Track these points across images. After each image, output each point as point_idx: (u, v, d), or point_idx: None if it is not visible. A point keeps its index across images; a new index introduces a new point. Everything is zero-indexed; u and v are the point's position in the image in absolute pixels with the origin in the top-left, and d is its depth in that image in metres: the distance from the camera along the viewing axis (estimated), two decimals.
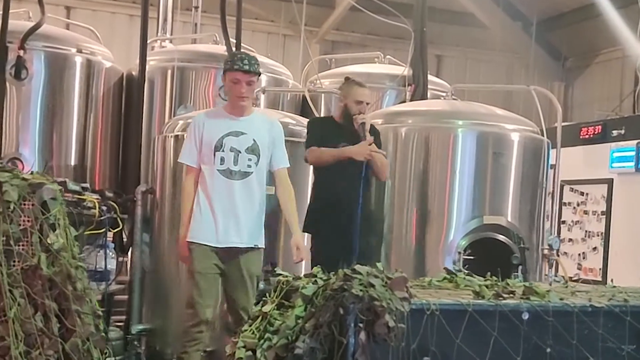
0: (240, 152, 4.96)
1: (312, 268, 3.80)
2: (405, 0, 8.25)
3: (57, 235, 3.74)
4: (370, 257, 5.42)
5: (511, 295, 3.08)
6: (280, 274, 3.00)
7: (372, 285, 2.59)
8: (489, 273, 3.56)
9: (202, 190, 5.00)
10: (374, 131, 5.84)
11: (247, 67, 4.98)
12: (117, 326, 6.62)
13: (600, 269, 9.72)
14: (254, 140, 5.02)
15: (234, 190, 4.95)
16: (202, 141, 4.99)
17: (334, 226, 5.56)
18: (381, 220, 6.29)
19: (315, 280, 2.79)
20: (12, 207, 3.69)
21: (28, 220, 3.80)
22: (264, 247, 5.12)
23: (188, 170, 5.12)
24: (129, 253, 6.47)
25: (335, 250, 5.38)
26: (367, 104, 5.94)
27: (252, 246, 5.02)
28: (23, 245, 3.72)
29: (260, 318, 2.84)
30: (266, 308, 2.85)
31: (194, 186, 5.04)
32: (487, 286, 3.16)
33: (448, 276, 3.47)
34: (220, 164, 4.95)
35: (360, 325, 2.58)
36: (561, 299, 3.11)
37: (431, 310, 2.74)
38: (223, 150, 4.95)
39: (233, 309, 5.02)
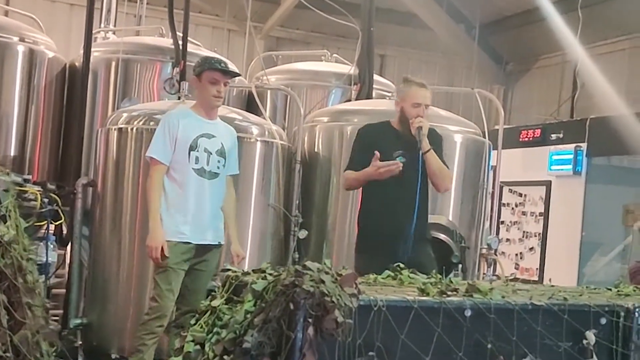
0: (211, 154, 5.14)
1: None
2: None
3: (7, 226, 3.68)
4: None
5: (455, 292, 3.15)
6: (229, 269, 3.00)
7: (323, 282, 2.62)
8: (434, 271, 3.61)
9: (173, 188, 5.08)
10: (434, 137, 5.38)
11: (226, 68, 5.20)
12: (55, 320, 6.55)
13: (537, 268, 9.92)
14: (221, 143, 5.21)
15: (205, 189, 5.11)
16: (176, 140, 5.08)
17: (386, 246, 5.12)
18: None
19: (265, 276, 2.81)
20: None
21: None
22: (224, 243, 5.27)
23: (158, 167, 5.11)
24: (69, 246, 6.39)
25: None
26: (427, 106, 5.35)
27: (217, 243, 5.21)
28: None
29: (209, 312, 2.85)
30: (215, 302, 2.85)
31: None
32: (430, 284, 3.21)
33: (392, 274, 3.52)
34: (195, 163, 5.09)
35: (309, 320, 2.60)
36: (503, 297, 3.18)
37: (378, 307, 2.78)
38: (197, 150, 5.10)
39: (185, 302, 5.08)
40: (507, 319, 3.13)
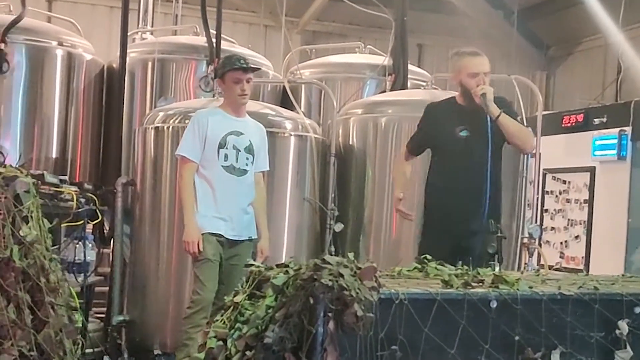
0: (240, 151, 5.26)
1: None
2: None
3: (30, 227, 3.76)
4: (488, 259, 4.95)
5: (480, 284, 3.12)
6: (252, 264, 3.02)
7: (342, 275, 2.62)
8: (460, 262, 3.59)
9: (205, 185, 5.22)
10: (502, 101, 5.10)
11: (245, 65, 5.28)
12: (98, 318, 6.66)
13: (582, 257, 9.76)
14: (250, 141, 5.33)
15: (235, 185, 5.24)
16: (206, 138, 5.22)
17: (452, 225, 5.00)
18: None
19: (287, 271, 2.82)
20: None
21: (0, 213, 3.82)
22: (256, 237, 5.38)
23: (188, 165, 5.26)
24: (110, 245, 6.49)
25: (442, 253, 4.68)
26: (486, 73, 5.07)
27: (248, 238, 5.32)
28: None
29: (231, 308, 2.87)
30: (237, 298, 2.88)
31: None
32: (456, 275, 3.19)
33: (418, 265, 3.51)
34: (225, 161, 5.22)
35: (329, 314, 2.61)
36: (530, 287, 3.14)
37: (399, 300, 2.77)
38: (227, 148, 5.24)
39: (220, 297, 5.07)
40: (535, 310, 3.08)
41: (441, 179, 5.16)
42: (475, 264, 3.55)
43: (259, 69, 5.42)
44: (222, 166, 5.23)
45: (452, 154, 5.09)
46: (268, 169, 5.58)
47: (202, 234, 5.16)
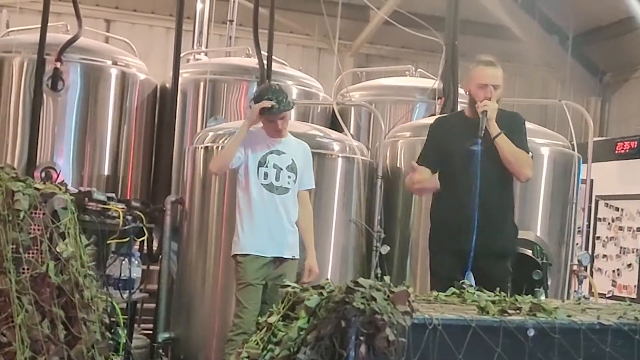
0: (281, 169, 5.31)
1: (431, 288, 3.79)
2: (438, 13, 8.25)
3: (66, 244, 3.84)
4: (498, 280, 4.61)
5: (517, 311, 3.09)
6: (289, 285, 3.04)
7: (374, 299, 2.62)
8: (497, 289, 3.55)
9: (246, 204, 5.28)
10: (510, 119, 4.88)
11: (276, 110, 5.23)
12: (146, 334, 6.74)
13: (635, 285, 9.60)
14: (292, 159, 5.37)
15: (276, 204, 5.28)
16: (247, 156, 5.29)
17: (456, 241, 4.81)
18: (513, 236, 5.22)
19: (321, 292, 2.83)
20: (22, 216, 3.81)
21: (38, 229, 3.91)
22: (298, 257, 5.40)
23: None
24: (159, 262, 6.57)
25: (452, 269, 4.72)
26: (495, 87, 4.79)
27: (291, 257, 5.34)
28: (32, 253, 3.82)
29: (265, 329, 2.89)
30: (272, 319, 2.89)
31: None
32: (494, 302, 3.16)
33: (457, 291, 3.49)
34: (264, 179, 5.27)
35: (361, 338, 2.61)
36: (569, 316, 3.10)
37: (433, 325, 2.76)
38: (267, 166, 5.28)
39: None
40: (573, 340, 3.04)
41: (451, 194, 4.93)
42: (494, 285, 3.49)
43: (290, 108, 5.37)
44: (262, 184, 5.27)
45: (464, 168, 4.81)
46: (314, 187, 5.59)
47: (245, 256, 5.20)
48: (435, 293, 3.39)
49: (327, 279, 3.05)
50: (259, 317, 4.99)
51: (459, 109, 7.31)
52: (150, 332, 6.59)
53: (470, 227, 4.70)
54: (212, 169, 5.49)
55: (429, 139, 5.14)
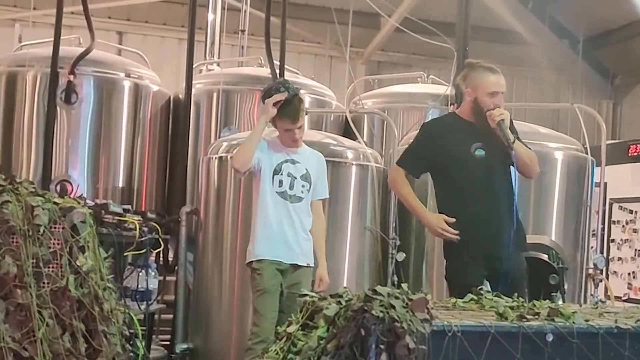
0: (296, 178, 5.30)
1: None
2: (449, 19, 8.28)
3: (86, 257, 3.87)
4: (519, 280, 4.79)
5: (536, 316, 3.09)
6: (306, 294, 3.05)
7: (393, 307, 2.63)
8: (515, 294, 3.56)
9: (262, 211, 5.28)
10: (512, 124, 4.91)
11: (294, 117, 5.25)
12: (163, 345, 6.76)
13: None
14: (306, 169, 5.37)
15: (290, 211, 5.28)
16: (264, 163, 5.28)
17: (483, 245, 4.81)
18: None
19: (339, 301, 2.84)
20: (42, 230, 3.84)
21: (58, 243, 3.93)
22: (313, 265, 5.38)
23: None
24: (174, 272, 6.60)
25: (475, 276, 4.69)
26: (502, 93, 4.87)
27: (306, 264, 5.33)
28: (52, 267, 3.85)
29: (285, 338, 2.91)
30: (291, 328, 2.91)
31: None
32: (512, 307, 3.17)
33: (474, 297, 3.49)
34: (279, 187, 5.27)
35: (381, 346, 2.62)
36: (587, 321, 3.11)
37: (452, 332, 2.77)
38: (281, 174, 5.28)
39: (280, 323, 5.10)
40: (591, 344, 3.05)
41: (460, 201, 4.91)
42: (510, 290, 3.48)
43: (305, 115, 5.40)
44: (276, 192, 5.27)
45: (470, 175, 4.84)
46: (327, 196, 5.59)
47: (260, 262, 5.20)
48: (453, 300, 3.40)
49: (345, 287, 3.06)
50: (278, 326, 5.10)
51: None
52: (168, 343, 6.62)
53: (496, 233, 4.78)
54: (235, 164, 5.32)
55: (422, 141, 5.06)
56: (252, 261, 5.27)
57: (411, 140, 5.25)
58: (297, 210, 5.31)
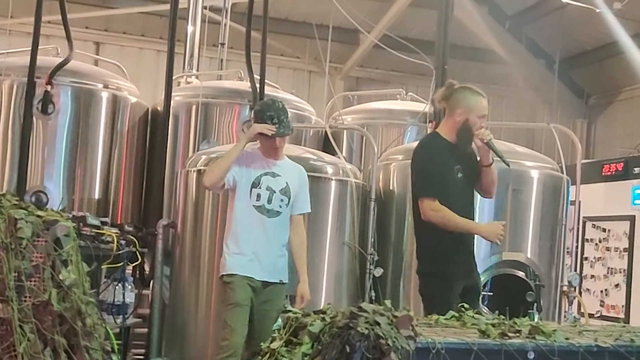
0: (275, 192, 5.21)
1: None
2: (427, 37, 8.34)
3: (69, 271, 3.82)
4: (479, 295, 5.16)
5: (517, 334, 3.11)
6: (290, 310, 3.05)
7: (378, 324, 2.63)
8: (496, 312, 3.58)
9: (237, 225, 5.18)
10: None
11: (279, 132, 5.16)
12: (138, 359, 6.70)
13: (622, 305, 9.67)
14: (286, 182, 5.27)
15: (267, 226, 5.18)
16: (241, 176, 5.18)
17: (462, 262, 5.04)
18: None
19: (323, 318, 2.84)
20: (24, 244, 3.79)
21: (40, 257, 3.89)
22: (287, 282, 5.30)
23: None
24: (150, 286, 6.55)
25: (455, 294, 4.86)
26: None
27: (278, 281, 5.23)
28: (35, 280, 3.80)
29: (268, 355, 2.89)
30: (274, 345, 2.90)
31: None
32: (493, 325, 3.19)
33: (456, 314, 3.51)
34: (257, 200, 5.17)
35: None
36: (567, 339, 3.13)
37: (436, 349, 2.77)
38: (260, 188, 5.18)
39: (253, 343, 5.04)
40: None
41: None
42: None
43: (289, 133, 5.30)
44: (254, 206, 5.17)
45: (454, 196, 4.97)
46: (309, 211, 5.50)
47: (232, 276, 5.10)
48: (435, 317, 3.42)
49: (329, 304, 3.06)
50: (262, 344, 5.03)
51: None
52: (142, 357, 6.56)
53: (470, 251, 5.07)
54: (206, 182, 5.23)
55: (438, 164, 5.01)
56: (224, 275, 5.17)
57: (421, 165, 5.14)
58: (273, 225, 5.21)
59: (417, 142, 5.39)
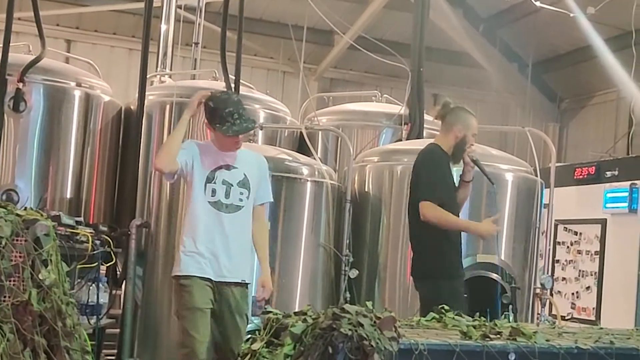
0: (232, 186, 4.87)
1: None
2: (402, 39, 8.35)
3: (49, 271, 3.76)
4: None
5: (498, 336, 3.12)
6: (270, 312, 3.02)
7: (361, 325, 2.61)
8: (477, 313, 3.59)
9: (191, 223, 4.86)
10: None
11: (245, 127, 4.90)
12: None
13: (593, 308, 9.75)
14: (244, 174, 4.94)
15: (224, 224, 4.84)
16: (193, 169, 4.87)
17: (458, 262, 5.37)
18: None
19: (305, 319, 2.82)
20: (4, 243, 3.71)
21: (20, 256, 3.81)
22: (250, 282, 5.02)
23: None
24: (122, 286, 6.49)
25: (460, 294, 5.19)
26: None
27: (240, 281, 4.89)
28: (14, 280, 3.73)
29: (249, 356, 2.87)
30: (255, 346, 2.87)
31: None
32: (474, 326, 3.19)
33: (437, 316, 3.50)
34: (212, 196, 4.84)
35: None
36: (547, 341, 3.14)
37: (419, 350, 2.76)
38: (215, 183, 4.85)
39: (220, 346, 4.85)
40: None
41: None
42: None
43: (252, 129, 5.11)
44: (209, 202, 4.83)
45: (450, 201, 5.29)
46: (271, 200, 5.21)
47: (190, 279, 4.74)
48: (416, 318, 3.41)
49: (309, 305, 3.04)
50: (244, 345, 4.80)
51: (424, 135, 7.39)
52: (114, 358, 6.50)
53: (460, 251, 5.38)
54: (157, 164, 4.89)
55: (441, 170, 5.33)
56: (178, 275, 4.81)
57: (425, 172, 5.32)
58: (232, 221, 4.85)
59: (420, 151, 5.54)
